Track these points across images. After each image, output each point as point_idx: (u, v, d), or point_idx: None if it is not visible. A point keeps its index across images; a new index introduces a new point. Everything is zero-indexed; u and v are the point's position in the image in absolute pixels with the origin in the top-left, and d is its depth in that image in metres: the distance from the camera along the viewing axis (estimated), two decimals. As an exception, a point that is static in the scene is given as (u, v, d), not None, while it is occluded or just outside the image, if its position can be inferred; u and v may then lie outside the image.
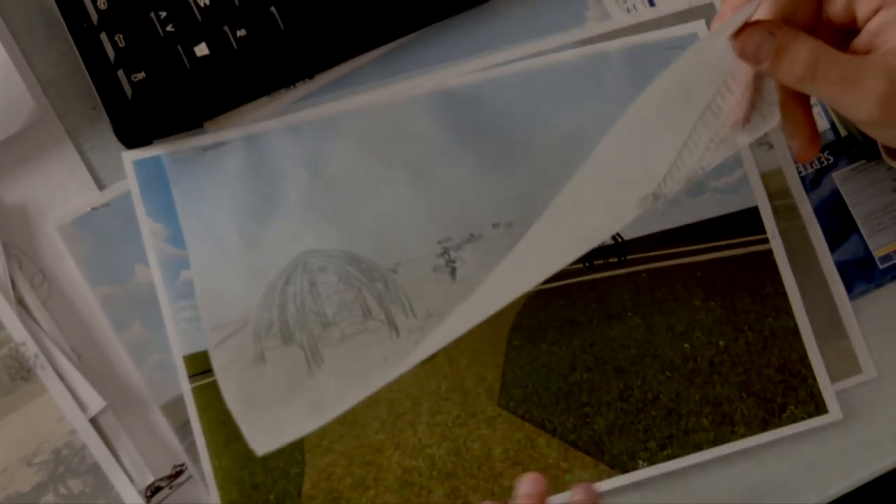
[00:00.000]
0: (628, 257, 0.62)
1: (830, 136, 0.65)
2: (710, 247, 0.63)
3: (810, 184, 0.65)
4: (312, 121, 0.62)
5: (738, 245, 0.63)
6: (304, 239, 0.61)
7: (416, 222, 0.62)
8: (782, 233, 0.63)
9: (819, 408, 0.61)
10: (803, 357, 0.62)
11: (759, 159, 0.64)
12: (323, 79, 0.63)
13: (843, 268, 0.64)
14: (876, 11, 0.49)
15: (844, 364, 0.63)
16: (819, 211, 0.64)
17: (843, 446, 0.62)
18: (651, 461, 0.60)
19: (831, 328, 0.63)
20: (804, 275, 0.63)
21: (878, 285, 0.64)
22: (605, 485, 0.60)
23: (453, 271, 0.61)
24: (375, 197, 0.62)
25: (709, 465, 0.61)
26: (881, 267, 0.64)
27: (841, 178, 0.65)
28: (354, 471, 0.59)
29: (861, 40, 0.50)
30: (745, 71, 0.50)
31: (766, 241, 0.63)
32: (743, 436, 0.61)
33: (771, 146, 0.64)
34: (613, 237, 0.62)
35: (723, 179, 0.63)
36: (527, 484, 0.56)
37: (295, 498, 0.59)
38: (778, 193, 0.64)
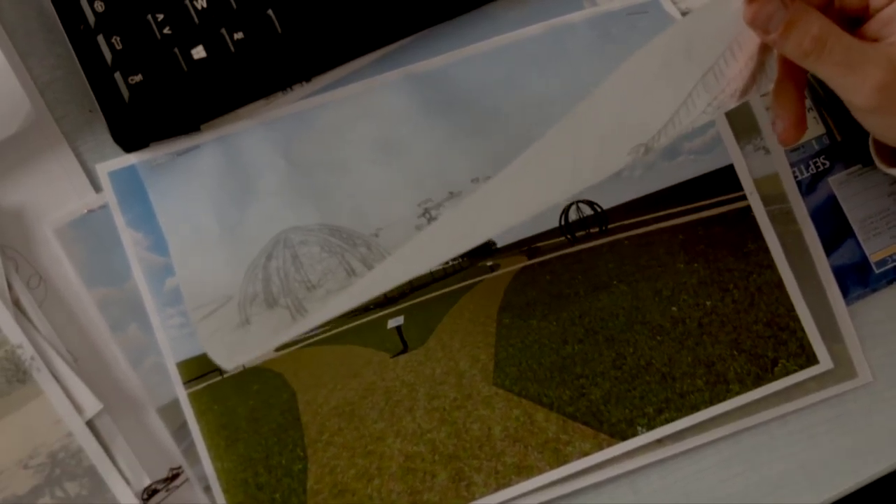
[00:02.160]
0: (609, 226, 0.63)
1: (826, 141, 0.66)
2: (689, 208, 0.64)
3: (806, 188, 0.65)
4: (283, 117, 0.63)
5: (716, 204, 0.64)
6: (284, 218, 0.61)
7: (395, 190, 0.62)
8: (778, 237, 0.64)
9: (810, 359, 0.62)
10: (790, 310, 0.63)
11: (756, 164, 0.65)
12: (319, 81, 0.64)
13: (839, 272, 0.64)
14: (891, 1, 0.51)
15: (840, 368, 0.63)
16: (815, 216, 0.65)
17: (840, 450, 0.62)
18: (650, 426, 0.60)
19: (827, 332, 0.63)
20: (800, 279, 0.64)
21: (874, 289, 0.65)
22: (605, 454, 0.60)
23: None
24: (352, 175, 0.63)
25: (702, 470, 0.62)
26: (877, 271, 0.65)
27: (837, 183, 0.66)
28: (357, 462, 0.59)
29: (870, 27, 0.51)
30: (751, 40, 0.51)
31: (744, 197, 0.64)
32: (738, 393, 0.61)
33: (767, 151, 0.65)
34: (592, 206, 0.63)
35: (696, 140, 0.65)
36: None
37: (300, 494, 0.59)
38: (774, 198, 0.65)
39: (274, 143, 0.63)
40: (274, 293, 0.60)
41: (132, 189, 0.61)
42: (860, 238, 0.65)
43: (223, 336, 0.59)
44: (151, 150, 0.62)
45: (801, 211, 0.65)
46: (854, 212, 0.66)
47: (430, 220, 0.61)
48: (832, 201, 0.66)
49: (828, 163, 0.66)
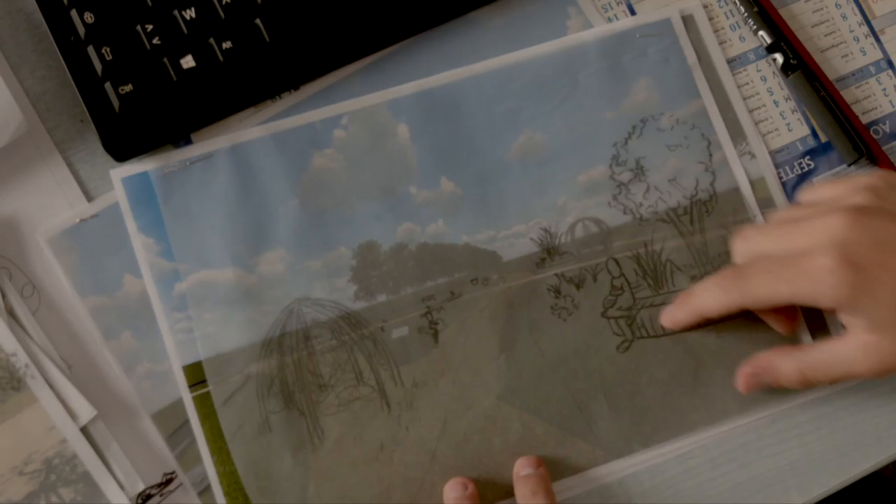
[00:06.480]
0: (614, 244, 0.63)
1: (811, 142, 0.66)
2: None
3: (792, 190, 0.65)
4: (296, 128, 0.63)
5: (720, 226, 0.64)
6: (297, 283, 0.61)
7: (402, 271, 0.62)
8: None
9: None
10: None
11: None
12: (308, 90, 0.63)
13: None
14: None
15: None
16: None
17: (827, 447, 0.63)
18: (645, 444, 0.61)
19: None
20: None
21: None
22: (599, 471, 0.61)
23: (436, 334, 0.61)
24: (357, 228, 0.62)
25: (690, 469, 0.62)
26: (863, 271, 0.65)
27: (822, 184, 0.66)
28: (358, 469, 0.60)
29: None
30: None
31: (748, 220, 0.64)
32: (737, 415, 0.61)
33: (753, 155, 0.65)
34: (598, 225, 0.63)
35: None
36: (452, 486, 0.59)
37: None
38: (762, 202, 0.64)
39: (287, 169, 0.62)
40: (289, 383, 0.60)
41: (144, 194, 0.61)
42: (845, 239, 0.65)
43: (247, 441, 0.60)
44: (161, 156, 0.62)
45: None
46: (840, 212, 0.65)
47: (431, 323, 0.62)
48: (818, 202, 0.65)
49: (812, 164, 0.65)
